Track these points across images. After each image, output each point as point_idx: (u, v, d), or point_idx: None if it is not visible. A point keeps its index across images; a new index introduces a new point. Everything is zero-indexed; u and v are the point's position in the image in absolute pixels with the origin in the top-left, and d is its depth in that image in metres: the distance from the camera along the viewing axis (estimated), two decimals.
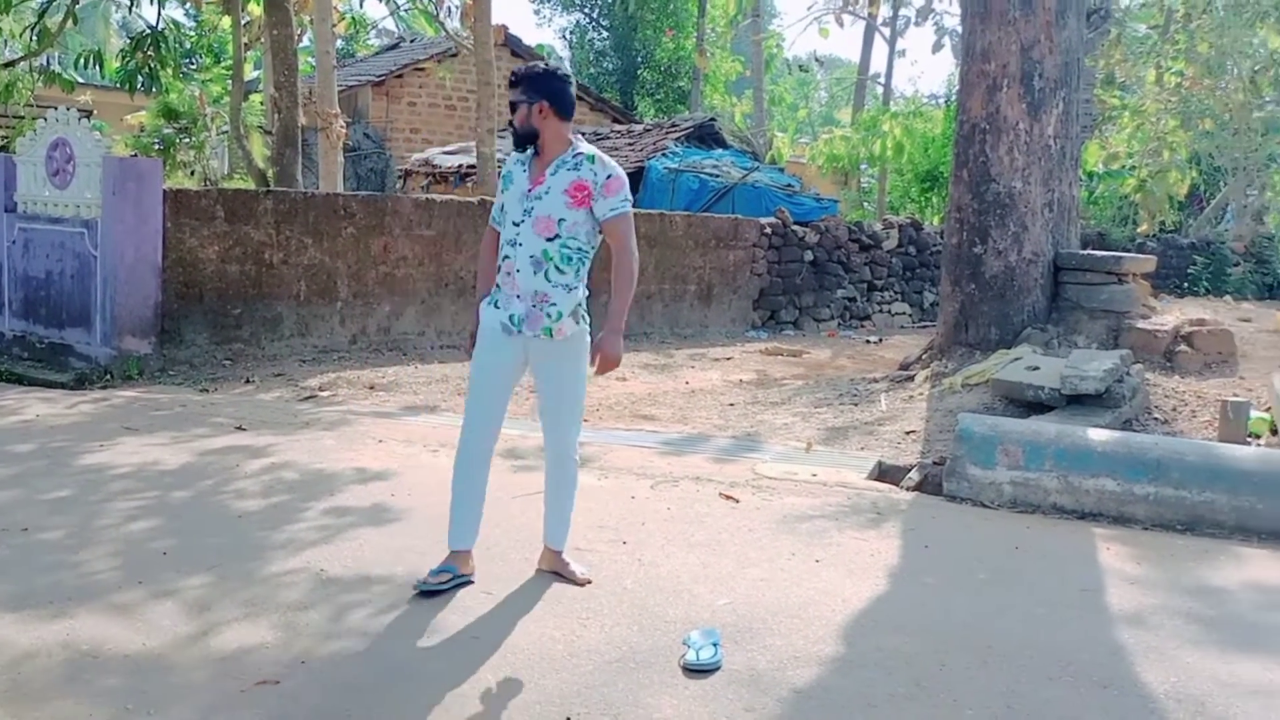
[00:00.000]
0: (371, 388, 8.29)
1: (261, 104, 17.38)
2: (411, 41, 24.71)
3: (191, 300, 9.07)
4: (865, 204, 22.48)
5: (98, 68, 12.97)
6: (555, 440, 3.95)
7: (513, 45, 22.78)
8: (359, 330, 10.11)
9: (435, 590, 3.77)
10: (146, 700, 2.96)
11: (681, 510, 4.99)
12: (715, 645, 3.34)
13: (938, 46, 17.69)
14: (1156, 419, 6.63)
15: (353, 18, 20.50)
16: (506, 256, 3.82)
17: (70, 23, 13.16)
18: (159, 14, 12.86)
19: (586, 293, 3.88)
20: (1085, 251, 8.38)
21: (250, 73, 18.69)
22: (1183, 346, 7.80)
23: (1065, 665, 3.35)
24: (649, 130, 18.57)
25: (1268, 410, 6.55)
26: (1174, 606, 3.91)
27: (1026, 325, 7.93)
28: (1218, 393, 6.96)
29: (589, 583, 3.95)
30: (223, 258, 9.21)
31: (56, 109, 9.46)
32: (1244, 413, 6.08)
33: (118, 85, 13.34)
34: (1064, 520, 5.03)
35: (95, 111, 19.20)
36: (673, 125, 18.70)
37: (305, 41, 15.57)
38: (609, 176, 3.76)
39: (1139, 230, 17.96)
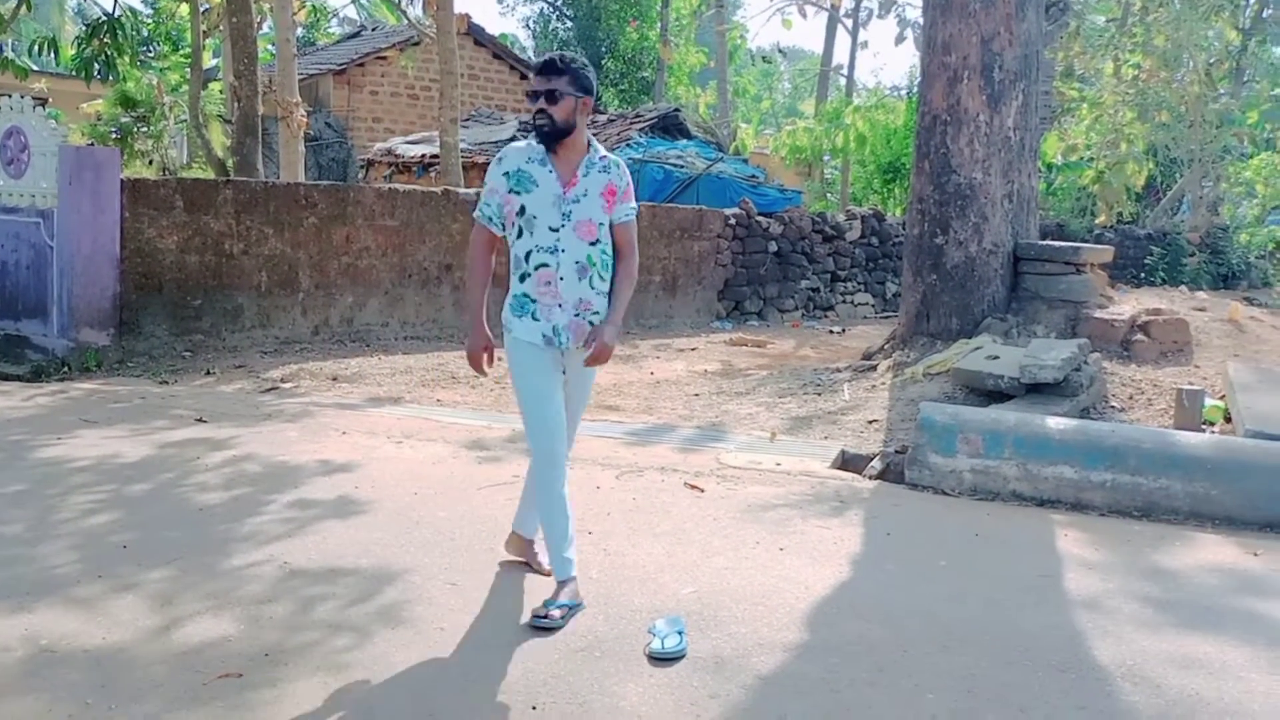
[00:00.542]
0: (334, 379, 8.24)
1: (221, 93, 17.19)
2: (373, 30, 24.51)
3: (150, 291, 8.96)
4: (829, 195, 22.60)
5: (53, 55, 12.74)
6: (571, 446, 3.86)
7: (475, 34, 22.68)
8: (321, 321, 10.04)
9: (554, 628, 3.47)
10: (107, 694, 2.94)
11: (647, 500, 5.01)
12: (680, 633, 3.36)
13: (900, 39, 17.75)
14: (1114, 407, 6.74)
15: (313, 5, 20.30)
16: (544, 265, 3.57)
17: (24, 9, 12.93)
18: (115, 0, 12.67)
19: None
20: (1044, 242, 8.48)
21: (209, 61, 18.46)
22: (1139, 336, 7.92)
23: (1024, 649, 3.41)
24: (613, 121, 18.56)
25: (1222, 398, 6.68)
26: (1130, 590, 3.98)
27: (987, 315, 8.02)
28: (1173, 381, 7.08)
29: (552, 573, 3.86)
30: (182, 248, 9.10)
31: (10, 96, 9.29)
32: (1199, 401, 6.19)
33: (73, 73, 13.12)
34: (1023, 507, 5.10)
35: (50, 99, 18.90)
36: (637, 116, 18.70)
37: (265, 29, 15.41)
38: (628, 183, 3.70)
39: (1097, 221, 18.22)
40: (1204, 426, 6.15)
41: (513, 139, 15.72)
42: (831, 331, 12.93)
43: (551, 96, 3.50)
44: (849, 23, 27.20)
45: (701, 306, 13.34)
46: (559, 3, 31.37)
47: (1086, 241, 14.87)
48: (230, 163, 12.40)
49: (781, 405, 7.37)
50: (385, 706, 2.92)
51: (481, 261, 3.71)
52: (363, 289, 10.32)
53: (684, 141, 17.67)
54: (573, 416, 3.79)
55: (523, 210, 3.57)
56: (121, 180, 8.75)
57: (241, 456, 5.61)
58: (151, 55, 21.43)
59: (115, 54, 12.22)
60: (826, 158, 22.45)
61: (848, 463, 5.92)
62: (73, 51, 13.20)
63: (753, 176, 17.13)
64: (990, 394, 6.64)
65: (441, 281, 10.90)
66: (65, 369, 8.32)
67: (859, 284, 15.28)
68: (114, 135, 15.99)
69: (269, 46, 17.44)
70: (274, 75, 13.17)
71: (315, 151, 19.92)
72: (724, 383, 8.39)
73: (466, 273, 3.73)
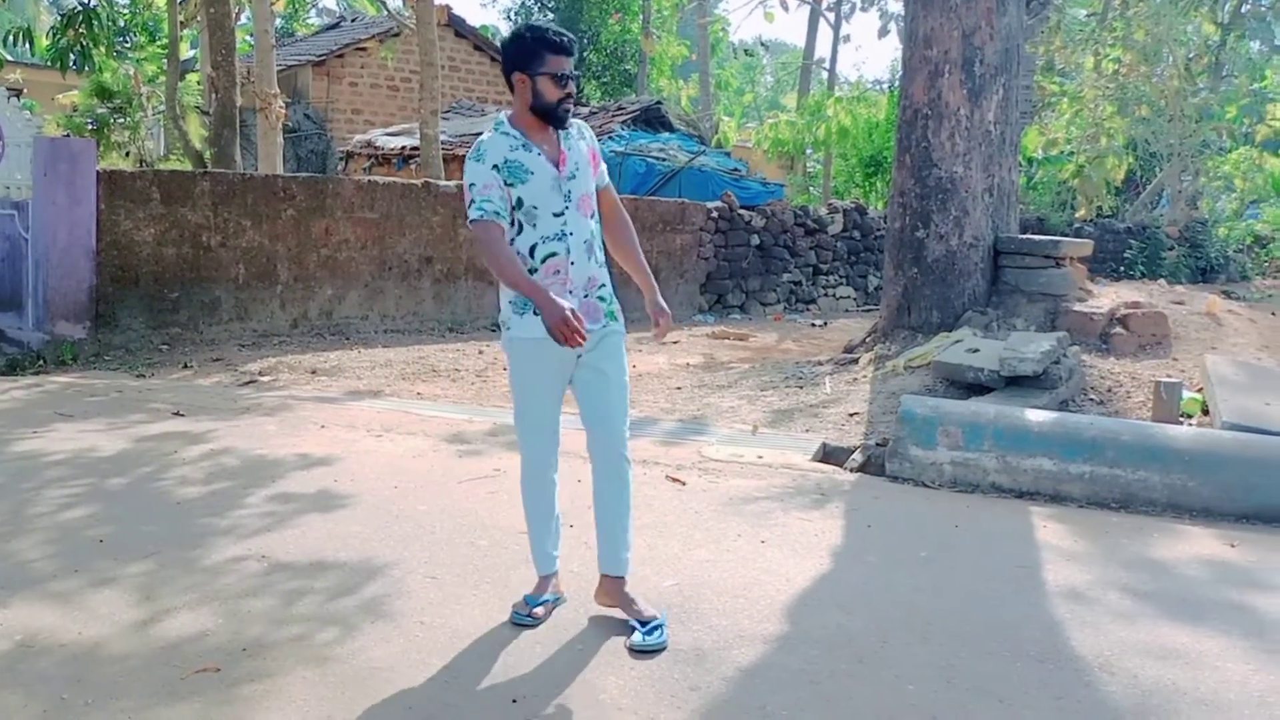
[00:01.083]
0: (313, 372, 8.19)
1: (198, 84, 17.04)
2: (352, 21, 24.36)
3: (127, 284, 8.88)
4: (811, 188, 22.63)
5: (28, 45, 12.58)
6: (613, 441, 3.41)
7: (456, 26, 22.59)
8: (300, 314, 9.98)
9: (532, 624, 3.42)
10: (83, 689, 2.91)
11: None
12: (660, 626, 3.36)
13: (883, 32, 17.79)
14: (1092, 399, 6.78)
15: None
16: (552, 254, 3.30)
17: None
18: None
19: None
20: (1024, 236, 8.52)
21: (186, 51, 18.30)
22: (1118, 329, 7.96)
23: (1003, 640, 3.42)
24: (595, 113, 18.53)
25: (1200, 391, 6.72)
26: (1108, 581, 4.01)
27: (967, 308, 8.05)
28: (1152, 374, 7.13)
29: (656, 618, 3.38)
30: (159, 240, 9.03)
31: None
32: (1177, 393, 6.23)
33: (49, 64, 12.97)
34: (1003, 499, 5.13)
35: (26, 90, 18.69)
36: (619, 108, 18.68)
37: (243, 20, 15.29)
38: (597, 143, 3.53)
39: (1077, 215, 18.32)
40: (1182, 419, 6.19)
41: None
42: (813, 325, 12.96)
43: (576, 82, 3.39)
44: (831, 16, 27.24)
45: (684, 300, 13.34)
46: None
47: (1066, 235, 14.96)
48: (208, 154, 12.30)
49: (763, 398, 7.37)
50: (366, 700, 2.91)
51: (508, 253, 3.24)
52: (342, 282, 10.26)
53: (666, 134, 17.66)
54: (606, 409, 3.40)
55: (520, 203, 3.28)
56: (97, 172, 8.67)
57: (219, 450, 5.57)
58: (128, 46, 21.22)
59: (91, 44, 12.10)
60: (809, 151, 22.48)
61: (829, 455, 5.94)
62: (48, 42, 13.05)
63: (735, 170, 17.13)
64: (970, 387, 6.66)
65: (422, 274, 10.86)
66: (41, 362, 8.24)
67: (841, 277, 15.31)
68: (90, 126, 15.82)
69: (247, 37, 17.32)
70: (252, 66, 13.08)
71: (294, 143, 19.80)
72: (706, 376, 8.39)
73: (499, 269, 3.21)
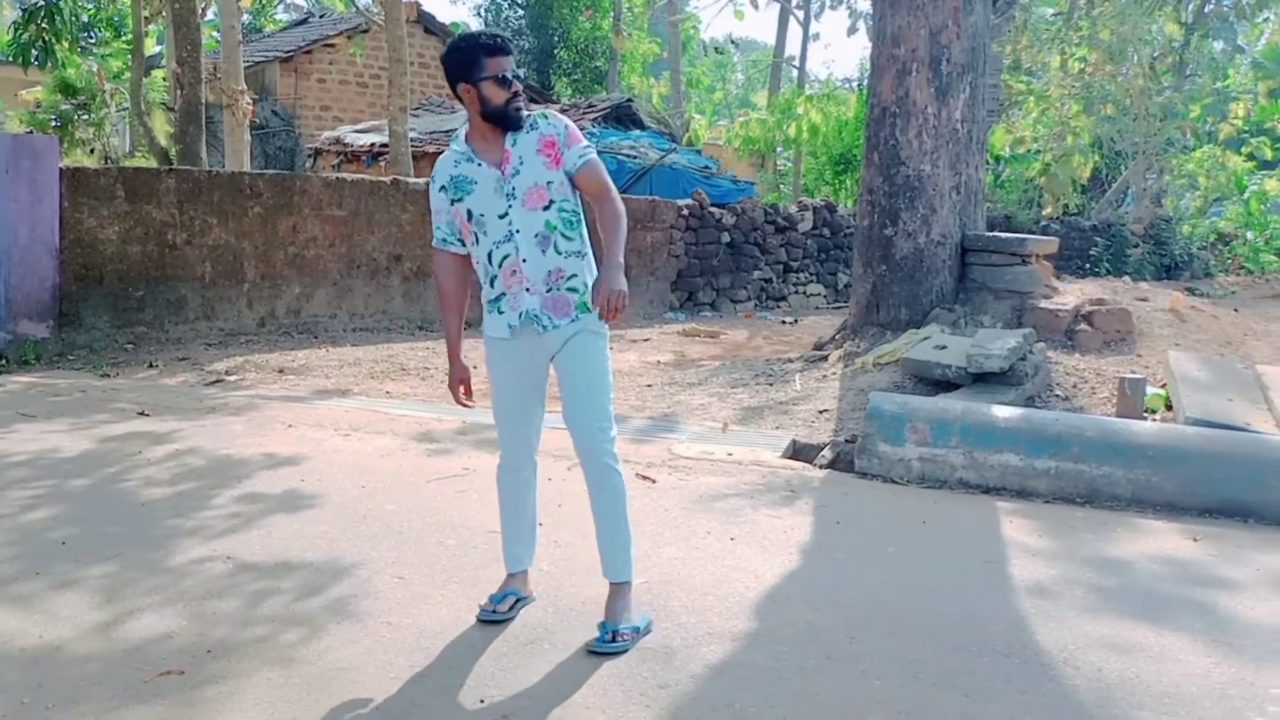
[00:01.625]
0: (281, 371, 8.13)
1: (164, 80, 16.84)
2: (321, 17, 24.18)
3: (91, 282, 8.77)
4: (781, 186, 22.69)
5: None
6: (586, 443, 3.37)
7: (425, 22, 22.49)
8: (267, 313, 9.90)
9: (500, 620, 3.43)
10: (44, 693, 2.87)
11: None
12: (625, 643, 3.33)
13: (852, 30, 17.92)
14: (1058, 396, 6.84)
15: None
16: (506, 256, 3.29)
17: None
18: None
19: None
20: (991, 234, 8.58)
21: (152, 47, 18.07)
22: (1083, 325, 8.04)
23: (970, 634, 3.45)
24: (566, 110, 18.47)
25: (1163, 387, 6.80)
26: (1073, 577, 4.05)
27: (935, 305, 8.10)
28: (1116, 370, 7.20)
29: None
30: (123, 238, 8.93)
31: None
32: (1141, 389, 6.30)
33: (10, 59, 12.80)
34: (969, 495, 5.16)
35: None
36: (590, 106, 18.64)
37: (210, 15, 15.12)
38: (567, 126, 3.36)
39: (1044, 213, 18.46)
40: (1146, 415, 6.26)
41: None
42: (784, 322, 12.99)
43: (520, 82, 3.33)
44: (801, 14, 27.32)
45: (654, 297, 13.34)
46: None
47: (1033, 233, 15.07)
48: (173, 151, 12.16)
49: (734, 395, 7.39)
50: (331, 701, 2.89)
51: (447, 286, 3.45)
52: (310, 280, 10.19)
53: (637, 132, 17.65)
54: (583, 409, 3.35)
55: (470, 215, 3.31)
56: (60, 169, 8.56)
57: (185, 450, 5.52)
58: (92, 41, 20.94)
59: (53, 40, 11.95)
60: (779, 149, 22.55)
61: (799, 452, 5.96)
62: (9, 37, 12.88)
63: (706, 167, 17.15)
64: (938, 383, 6.71)
65: (391, 272, 10.80)
66: (3, 362, 8.12)
67: (811, 275, 15.37)
68: (54, 123, 15.59)
69: (214, 33, 17.12)
70: (219, 62, 12.94)
71: (261, 140, 19.62)
72: (676, 373, 8.40)
73: (439, 302, 3.44)
